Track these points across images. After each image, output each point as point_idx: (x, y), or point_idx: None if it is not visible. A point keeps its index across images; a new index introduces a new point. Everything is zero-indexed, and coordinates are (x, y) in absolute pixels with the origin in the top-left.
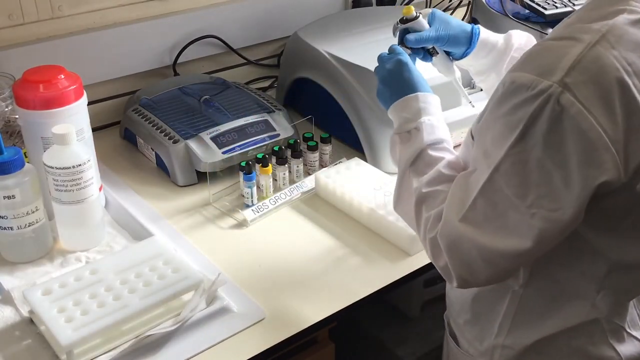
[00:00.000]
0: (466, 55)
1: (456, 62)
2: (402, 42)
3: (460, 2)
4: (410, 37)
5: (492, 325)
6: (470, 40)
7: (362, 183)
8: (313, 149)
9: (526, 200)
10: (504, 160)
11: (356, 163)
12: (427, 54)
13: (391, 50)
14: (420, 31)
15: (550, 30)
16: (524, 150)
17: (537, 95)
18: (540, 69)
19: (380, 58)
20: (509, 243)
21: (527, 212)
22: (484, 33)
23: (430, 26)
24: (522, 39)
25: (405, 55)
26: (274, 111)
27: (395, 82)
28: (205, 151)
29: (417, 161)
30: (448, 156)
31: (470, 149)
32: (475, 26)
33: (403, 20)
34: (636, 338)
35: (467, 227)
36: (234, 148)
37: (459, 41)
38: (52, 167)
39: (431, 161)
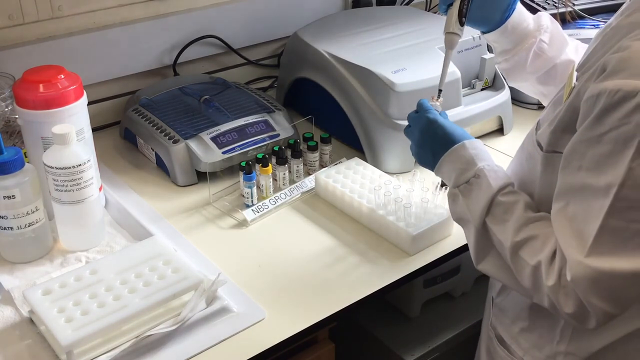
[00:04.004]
0: (499, 25)
1: (486, 36)
2: None
3: None
4: None
5: (553, 332)
6: (507, 9)
7: (362, 183)
8: (313, 149)
9: None
10: (629, 173)
11: (356, 163)
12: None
13: (419, 106)
14: None
15: None
16: None
17: None
18: None
19: (410, 119)
20: None
21: None
22: (520, 7)
23: None
24: (549, 23)
25: (432, 111)
26: (274, 111)
27: (433, 141)
28: (205, 151)
29: (492, 210)
30: (522, 198)
31: (526, 165)
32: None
33: None
34: None
35: (599, 259)
36: (234, 148)
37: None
38: (52, 167)
39: (507, 207)
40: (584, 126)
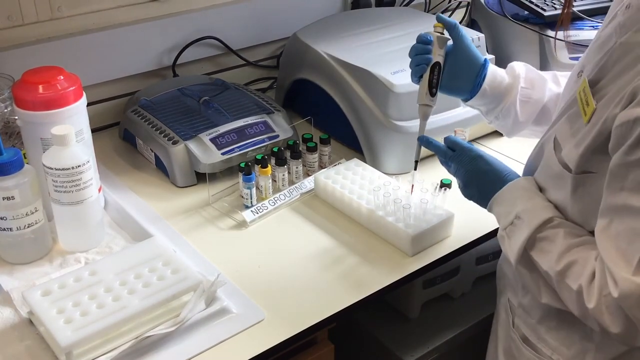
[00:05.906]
0: (476, 91)
1: (467, 103)
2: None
3: (460, 3)
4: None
5: (581, 329)
6: (477, 76)
7: (361, 184)
8: (312, 149)
9: None
10: None
11: (355, 164)
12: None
13: (453, 144)
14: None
15: (549, 32)
16: None
17: None
18: None
19: (449, 158)
20: None
21: None
22: (492, 67)
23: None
24: (522, 69)
25: (474, 149)
26: (273, 112)
27: (480, 181)
28: (205, 152)
29: (536, 244)
30: (562, 228)
31: (552, 184)
32: (487, 59)
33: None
34: None
35: None
36: (233, 149)
37: (470, 64)
38: (52, 168)
39: (550, 240)
40: (622, 150)
